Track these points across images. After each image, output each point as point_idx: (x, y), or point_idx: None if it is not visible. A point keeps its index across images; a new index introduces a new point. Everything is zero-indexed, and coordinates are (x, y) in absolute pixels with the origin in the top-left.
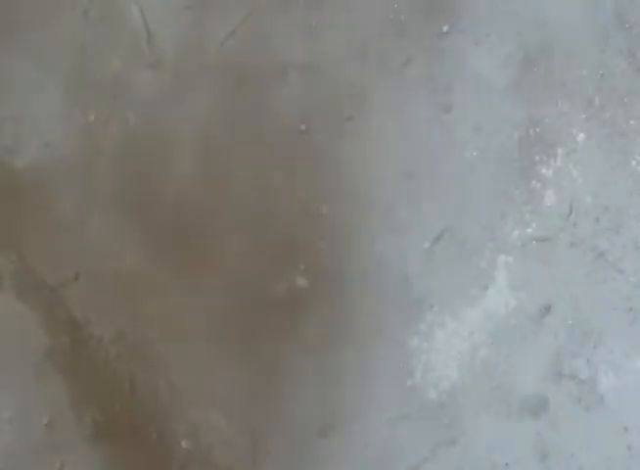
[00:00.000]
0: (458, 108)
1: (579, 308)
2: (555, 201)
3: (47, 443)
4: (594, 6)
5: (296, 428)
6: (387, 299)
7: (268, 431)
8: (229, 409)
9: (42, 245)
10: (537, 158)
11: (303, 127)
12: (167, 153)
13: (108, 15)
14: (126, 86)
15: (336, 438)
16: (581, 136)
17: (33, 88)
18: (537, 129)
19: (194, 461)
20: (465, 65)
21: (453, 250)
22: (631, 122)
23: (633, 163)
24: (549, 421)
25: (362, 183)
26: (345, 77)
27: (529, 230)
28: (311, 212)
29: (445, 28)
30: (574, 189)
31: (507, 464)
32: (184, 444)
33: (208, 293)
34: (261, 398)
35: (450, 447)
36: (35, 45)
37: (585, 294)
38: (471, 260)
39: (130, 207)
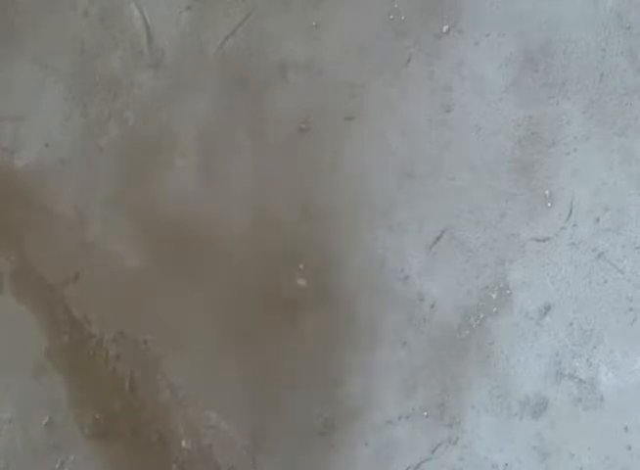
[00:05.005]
0: (458, 108)
1: (579, 308)
2: (555, 201)
3: (47, 443)
4: (594, 6)
5: (296, 428)
6: (387, 299)
7: (268, 431)
8: (229, 409)
9: (42, 245)
10: (537, 157)
11: (303, 127)
12: (167, 153)
13: (108, 15)
14: (126, 86)
15: (336, 437)
16: (581, 136)
17: (33, 88)
18: (537, 129)
19: (194, 461)
20: (465, 65)
21: (453, 250)
22: (631, 122)
23: (633, 162)
24: (549, 421)
25: (362, 183)
26: (345, 77)
27: (529, 230)
28: (311, 212)
29: (445, 28)
30: (574, 189)
31: (507, 464)
32: (184, 444)
33: (208, 293)
34: (261, 398)
35: (450, 447)
36: (35, 45)
37: (585, 294)
38: (470, 260)
39: (130, 207)
